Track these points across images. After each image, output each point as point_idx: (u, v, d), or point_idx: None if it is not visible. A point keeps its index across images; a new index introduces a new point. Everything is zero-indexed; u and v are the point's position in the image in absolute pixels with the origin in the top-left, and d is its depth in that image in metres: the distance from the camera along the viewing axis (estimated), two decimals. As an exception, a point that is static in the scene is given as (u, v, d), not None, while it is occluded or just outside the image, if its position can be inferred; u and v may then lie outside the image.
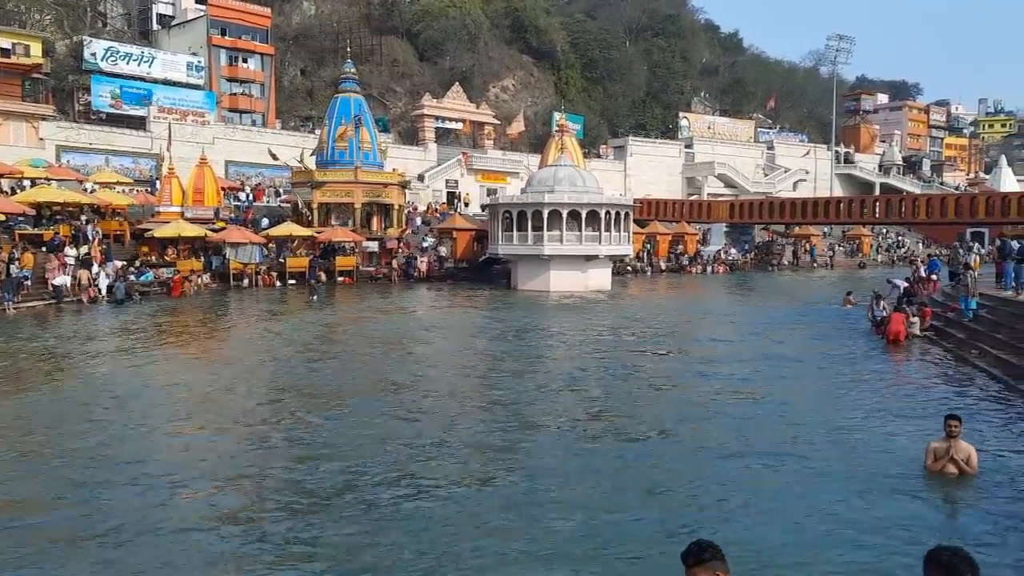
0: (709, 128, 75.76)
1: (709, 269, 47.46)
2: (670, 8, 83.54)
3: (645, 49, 77.89)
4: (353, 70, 41.51)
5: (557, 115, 51.38)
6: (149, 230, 32.90)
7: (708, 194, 66.25)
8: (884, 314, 19.70)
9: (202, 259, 32.96)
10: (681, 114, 75.54)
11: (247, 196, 44.58)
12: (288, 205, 42.07)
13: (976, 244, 30.36)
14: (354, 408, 11.77)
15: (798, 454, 9.38)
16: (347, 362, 16.10)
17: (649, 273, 44.81)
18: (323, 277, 34.74)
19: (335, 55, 56.02)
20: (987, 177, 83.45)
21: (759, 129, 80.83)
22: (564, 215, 33.97)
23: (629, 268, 43.64)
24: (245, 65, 54.40)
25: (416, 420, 11.10)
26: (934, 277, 25.61)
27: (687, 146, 71.54)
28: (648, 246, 48.23)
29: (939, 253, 49.96)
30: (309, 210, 38.58)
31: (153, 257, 31.75)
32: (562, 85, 70.61)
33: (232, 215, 38.72)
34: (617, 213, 35.69)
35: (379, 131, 46.65)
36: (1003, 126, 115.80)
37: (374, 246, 38.13)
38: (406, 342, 19.05)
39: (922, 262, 29.78)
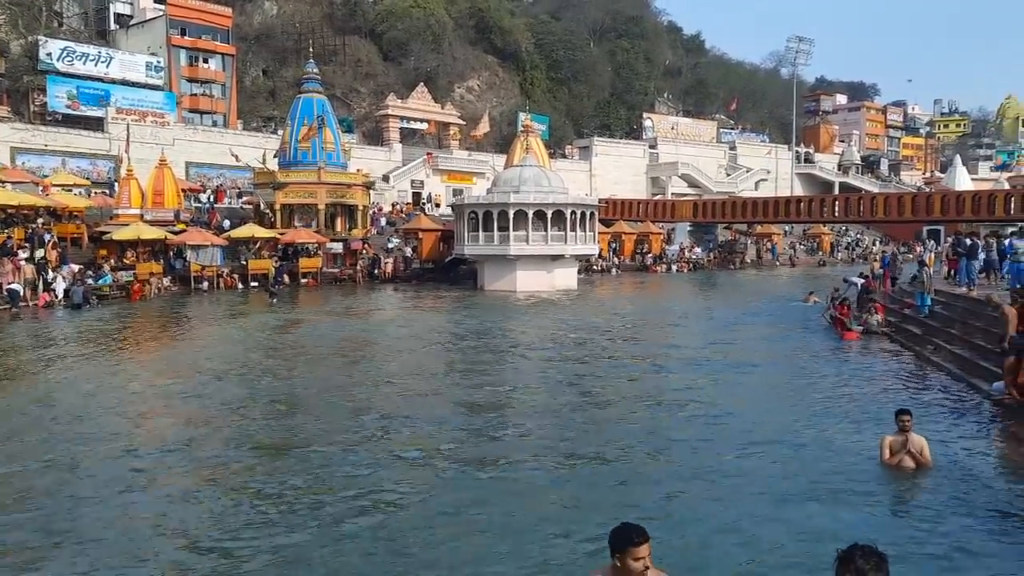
0: (673, 129, 76.44)
1: (674, 268, 47.90)
2: (633, 10, 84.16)
3: (609, 50, 78.38)
4: (315, 70, 41.17)
5: (522, 115, 51.44)
6: (107, 233, 32.30)
7: (672, 194, 66.86)
8: (835, 314, 20.11)
9: (162, 262, 32.42)
10: (645, 115, 76.12)
11: (208, 198, 43.97)
12: (250, 206, 41.59)
13: (932, 242, 31.00)
14: (311, 414, 11.43)
15: (754, 456, 9.30)
16: (305, 367, 15.75)
17: (615, 272, 45.09)
18: (287, 279, 34.39)
19: (297, 55, 55.51)
20: (943, 176, 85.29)
21: (721, 130, 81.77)
22: (530, 215, 34.04)
23: (595, 268, 43.87)
24: (206, 65, 53.65)
25: (371, 425, 10.84)
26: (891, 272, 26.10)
27: (651, 146, 72.10)
28: (614, 246, 48.57)
29: (896, 250, 50.93)
30: (272, 211, 38.18)
31: (112, 260, 31.16)
32: (527, 86, 70.75)
33: (193, 217, 38.19)
34: (582, 213, 35.87)
35: (343, 131, 46.31)
36: (957, 126, 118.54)
37: (338, 247, 37.87)
38: (367, 345, 18.85)
39: (876, 259, 30.36)
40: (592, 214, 36.94)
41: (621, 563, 3.51)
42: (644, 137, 73.40)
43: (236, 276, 34.01)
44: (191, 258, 32.76)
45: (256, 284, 33.71)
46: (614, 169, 67.51)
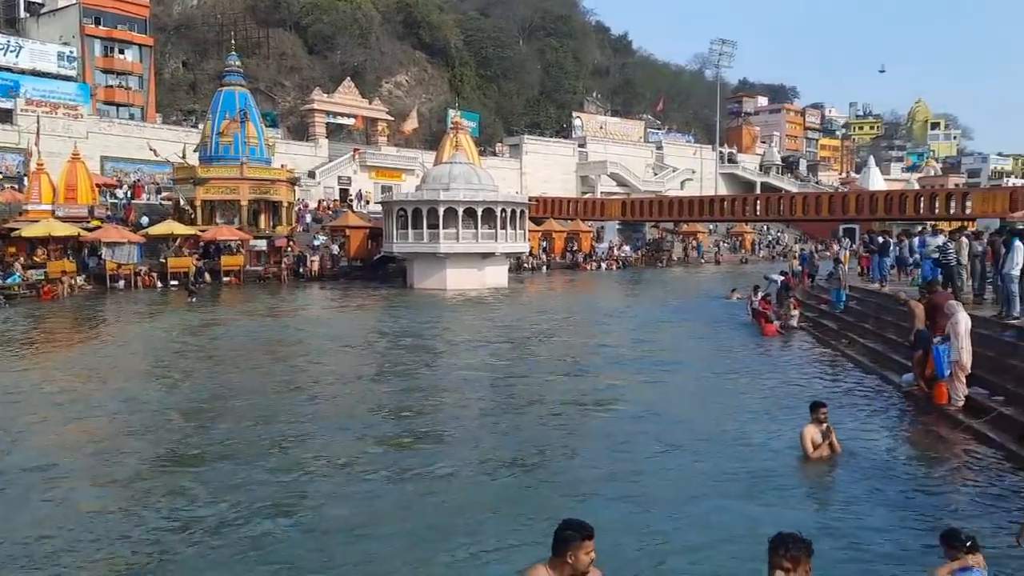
0: (601, 128, 77.30)
1: (603, 266, 48.47)
2: (562, 9, 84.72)
3: (539, 48, 78.73)
4: (238, 63, 40.06)
5: (452, 112, 51.23)
6: (16, 229, 30.77)
7: (601, 192, 67.63)
8: (757, 307, 20.68)
9: (75, 260, 31.06)
10: (574, 114, 76.76)
11: (125, 193, 42.34)
12: (170, 203, 40.24)
13: (847, 240, 32.14)
14: (223, 420, 10.89)
15: (674, 454, 9.36)
16: (221, 369, 15.20)
17: (545, 270, 45.34)
18: (208, 278, 33.39)
19: (219, 47, 53.91)
20: (858, 176, 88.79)
21: (648, 129, 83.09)
22: (460, 213, 33.88)
23: (526, 266, 44.03)
24: (122, 56, 51.68)
25: (286, 433, 10.35)
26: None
27: (580, 145, 72.76)
28: (544, 244, 48.84)
29: (813, 248, 52.62)
30: (192, 208, 37.03)
31: (22, 258, 29.69)
32: (457, 82, 70.46)
33: (108, 213, 36.71)
34: (513, 211, 35.91)
35: (267, 126, 45.22)
36: (871, 128, 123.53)
37: (262, 245, 36.95)
38: (288, 346, 18.23)
39: (795, 257, 31.35)
40: (522, 212, 37.03)
41: (574, 558, 3.58)
42: (573, 136, 74.02)
43: (155, 275, 32.86)
44: (106, 256, 31.49)
45: (176, 283, 32.63)
46: (544, 167, 67.85)
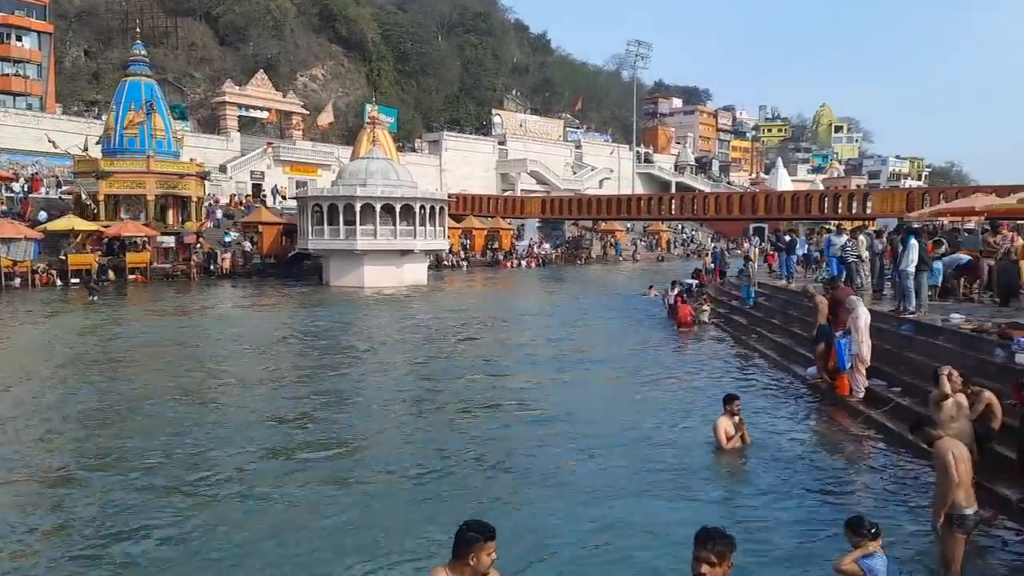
0: (521, 126, 77.59)
1: (523, 263, 48.67)
2: (481, 6, 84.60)
3: (457, 45, 78.42)
4: (144, 52, 38.42)
5: (369, 107, 50.44)
6: None
7: (521, 190, 67.87)
8: (673, 303, 21.13)
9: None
10: (494, 111, 76.79)
11: (22, 187, 40.05)
12: (71, 197, 38.29)
13: (756, 238, 33.17)
14: (115, 429, 10.30)
15: (588, 453, 9.38)
16: (120, 371, 14.54)
17: (465, 268, 45.22)
18: (112, 276, 31.94)
19: (124, 36, 51.63)
20: (767, 177, 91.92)
21: (568, 128, 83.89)
22: (377, 209, 33.44)
23: (446, 263, 43.81)
24: (18, 43, 48.82)
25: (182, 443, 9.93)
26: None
27: (500, 143, 72.84)
28: (464, 241, 48.72)
29: (725, 247, 54.15)
30: (95, 202, 35.35)
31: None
32: (374, 77, 69.49)
33: (4, 208, 34.69)
34: (432, 208, 35.66)
35: (175, 118, 43.50)
36: (779, 130, 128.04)
37: (170, 241, 35.60)
38: (193, 347, 17.44)
39: (707, 255, 32.22)
40: (442, 209, 36.81)
41: (476, 559, 3.57)
42: (493, 133, 74.04)
43: (54, 272, 31.22)
44: (1, 252, 29.74)
45: (77, 281, 31.09)
46: (464, 164, 67.64)
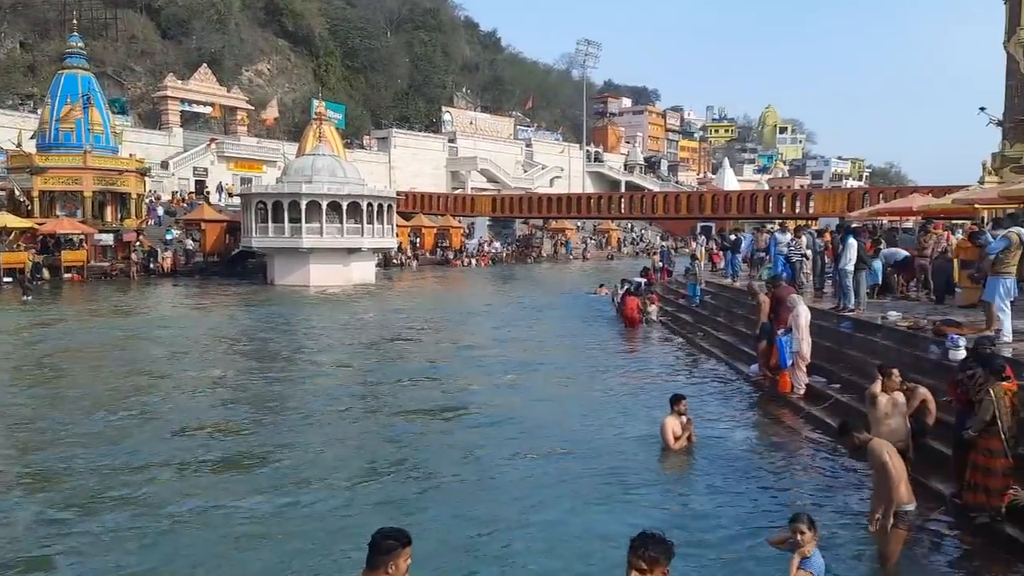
0: (471, 124, 77.35)
1: (473, 262, 48.49)
2: (430, 2, 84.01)
3: (407, 41, 77.74)
4: (81, 44, 37.24)
5: (316, 102, 49.65)
6: None
7: (472, 188, 67.65)
8: (621, 301, 21.21)
9: None
10: (444, 108, 76.39)
11: (-50, 183, 38.44)
12: (3, 193, 36.84)
13: (703, 237, 33.52)
14: (27, 441, 9.71)
15: (532, 457, 9.22)
16: (44, 376, 13.97)
17: (414, 266, 44.86)
18: (47, 274, 30.84)
19: (62, 27, 49.83)
20: (714, 177, 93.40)
21: (518, 127, 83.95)
22: (324, 206, 32.94)
23: (395, 261, 43.40)
24: (-55, 31, 46.85)
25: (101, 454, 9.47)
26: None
27: (451, 140, 72.51)
28: (414, 239, 48.33)
29: (674, 245, 54.83)
30: (28, 199, 34.10)
31: None
32: (322, 72, 68.46)
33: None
34: (380, 205, 35.25)
35: (115, 113, 42.25)
36: (726, 131, 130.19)
37: (108, 239, 34.50)
38: (127, 349, 16.85)
39: (655, 254, 32.52)
40: (390, 207, 36.43)
41: (394, 567, 3.35)
42: (443, 131, 73.67)
43: (-17, 271, 30.02)
44: (-76, 251, 28.49)
45: (10, 280, 29.94)
46: (414, 162, 67.13)
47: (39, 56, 53.05)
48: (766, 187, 78.39)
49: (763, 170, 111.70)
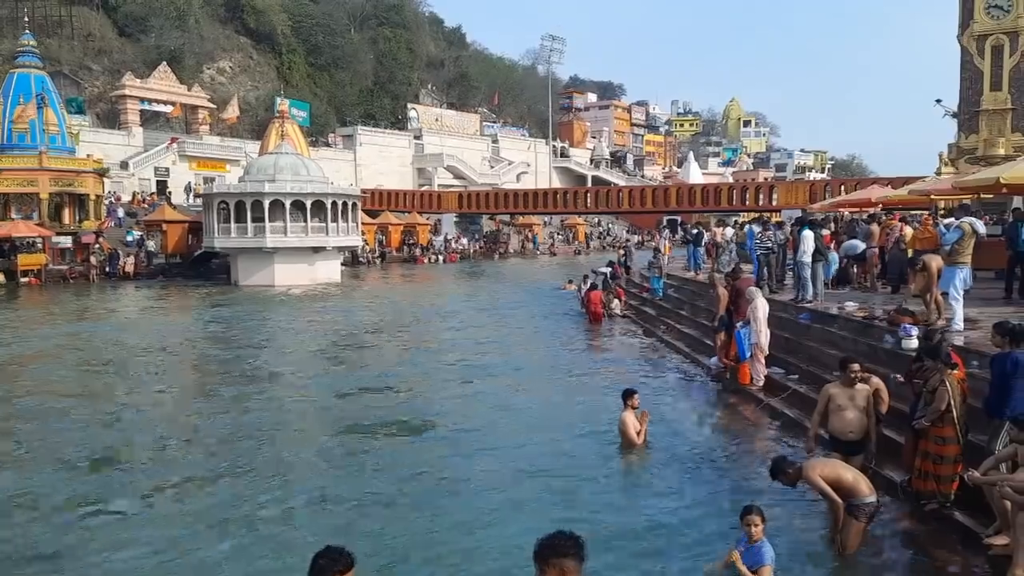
0: (437, 120, 77.03)
1: (441, 258, 48.33)
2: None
3: (371, 38, 77.13)
4: (33, 42, 36.50)
5: (278, 100, 49.11)
6: None
7: (439, 185, 67.40)
8: (584, 296, 21.26)
9: None
10: (410, 105, 75.96)
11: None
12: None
13: (667, 230, 33.78)
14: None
15: (499, 433, 9.51)
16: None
17: (380, 264, 44.61)
18: (2, 278, 30.19)
19: (14, 25, 48.68)
20: (679, 170, 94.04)
21: (484, 123, 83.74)
22: (287, 205, 32.62)
23: (361, 259, 43.11)
24: None
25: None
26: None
27: (416, 137, 72.13)
28: (380, 237, 48.04)
29: (641, 239, 55.17)
30: (-19, 202, 33.32)
31: None
32: (285, 70, 67.69)
33: None
34: (344, 203, 35.00)
35: (72, 113, 41.44)
36: (691, 125, 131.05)
37: (67, 241, 33.84)
38: (82, 356, 16.33)
39: (621, 248, 32.64)
40: (355, 205, 36.17)
41: None
42: (409, 128, 73.25)
43: (-65, 277, 29.29)
44: None
45: (-37, 285, 29.28)
46: (380, 159, 66.69)
47: (-9, 55, 51.81)
48: (731, 180, 79.05)
49: (728, 163, 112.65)
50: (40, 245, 32.77)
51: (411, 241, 49.71)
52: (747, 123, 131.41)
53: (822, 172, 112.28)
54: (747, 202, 44.00)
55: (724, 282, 12.48)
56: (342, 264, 36.53)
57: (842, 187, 38.72)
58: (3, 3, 52.87)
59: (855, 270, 15.10)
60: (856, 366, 7.08)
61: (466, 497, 7.66)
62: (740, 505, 5.94)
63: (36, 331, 19.89)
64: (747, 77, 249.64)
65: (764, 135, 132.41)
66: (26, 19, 41.44)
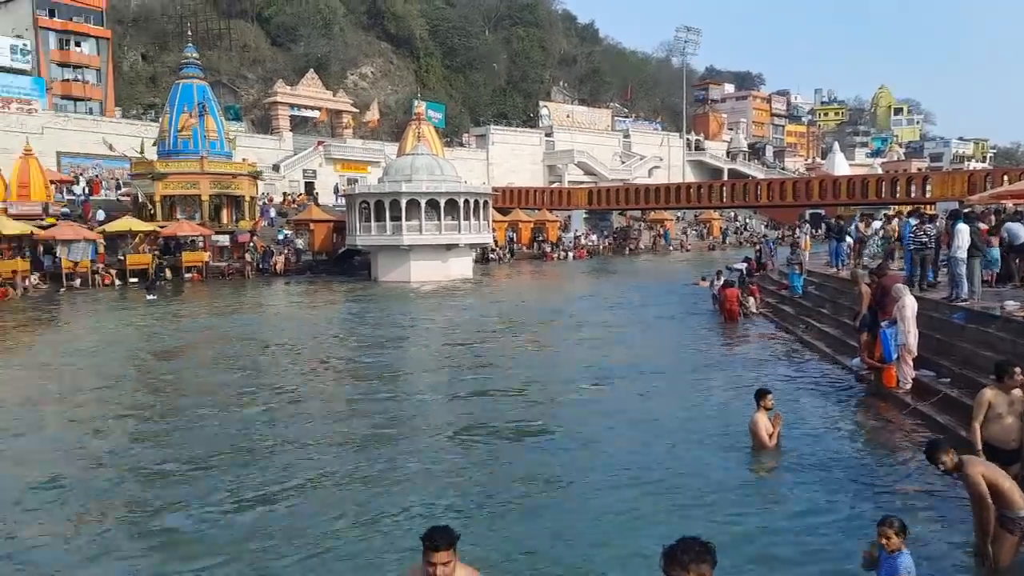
0: (568, 117, 77.18)
1: (570, 255, 48.42)
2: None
3: (505, 38, 78.32)
4: (195, 55, 39.35)
5: (416, 103, 50.77)
6: (-34, 229, 30.00)
7: (568, 181, 67.54)
8: (717, 293, 20.66)
9: (28, 258, 30.33)
10: (541, 103, 76.53)
11: (83, 190, 41.49)
12: (128, 198, 39.50)
13: (807, 225, 32.36)
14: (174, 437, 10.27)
15: (617, 441, 9.41)
16: (178, 371, 14.97)
17: (511, 260, 45.20)
18: (168, 275, 32.84)
19: (179, 39, 52.85)
20: (823, 162, 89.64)
21: (616, 118, 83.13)
22: (423, 204, 33.66)
23: (492, 256, 43.88)
24: (78, 49, 50.48)
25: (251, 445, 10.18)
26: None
27: (548, 135, 72.58)
28: (510, 234, 48.71)
29: (781, 234, 53.07)
30: (151, 203, 36.35)
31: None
32: (422, 73, 69.93)
33: (65, 210, 35.96)
34: (476, 202, 35.75)
35: (229, 119, 44.51)
36: (836, 114, 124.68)
37: (224, 240, 36.41)
38: (253, 343, 17.88)
39: (756, 245, 31.52)
40: (486, 203, 36.87)
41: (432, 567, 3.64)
42: (540, 125, 73.81)
43: (112, 272, 32.24)
44: (61, 254, 30.81)
45: (136, 280, 32.07)
46: (511, 157, 67.62)
47: (159, 67, 56.50)
48: (880, 171, 74.56)
49: (876, 153, 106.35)
50: (201, 243, 35.39)
51: (540, 238, 50.05)
52: (898, 111, 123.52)
53: (983, 162, 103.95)
54: (898, 194, 41.39)
55: (867, 279, 11.84)
56: (473, 261, 37.31)
57: (1005, 177, 35.71)
58: (169, 19, 57.53)
59: (1017, 263, 13.89)
60: (1018, 370, 6.58)
61: (585, 500, 7.59)
62: (876, 513, 5.67)
63: (205, 319, 21.71)
64: (898, 62, 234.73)
65: (917, 123, 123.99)
66: (189, 33, 44.88)
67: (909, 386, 10.27)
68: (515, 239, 48.82)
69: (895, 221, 20.21)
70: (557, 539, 6.62)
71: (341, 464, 8.75)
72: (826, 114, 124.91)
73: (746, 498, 7.54)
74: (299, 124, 57.95)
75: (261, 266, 36.42)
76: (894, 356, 10.36)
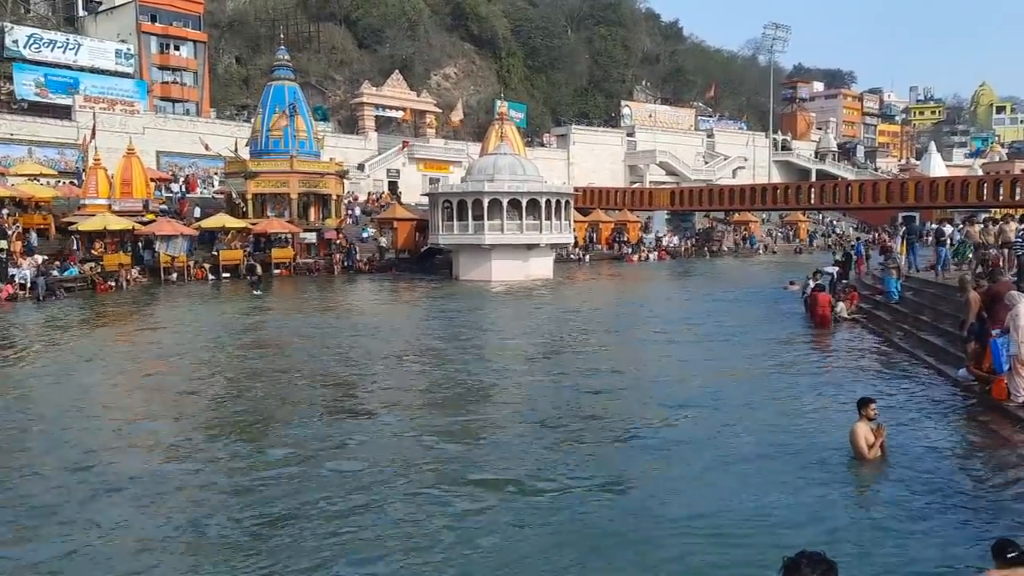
0: (651, 116, 76.30)
1: (651, 256, 47.82)
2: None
3: (587, 38, 78.01)
4: (287, 57, 40.55)
5: (498, 103, 51.06)
6: (74, 224, 31.70)
7: (650, 182, 66.75)
8: (808, 296, 20.01)
9: (130, 253, 31.85)
10: (623, 103, 75.87)
11: (180, 187, 43.33)
12: (222, 196, 41.03)
13: (903, 227, 31.02)
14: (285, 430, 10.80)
15: (720, 445, 9.25)
16: (282, 363, 15.46)
17: (590, 261, 44.92)
18: (259, 269, 33.94)
19: (271, 42, 54.63)
20: (918, 163, 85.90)
21: (699, 117, 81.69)
22: (504, 204, 33.81)
23: (572, 257, 43.72)
24: (177, 53, 52.77)
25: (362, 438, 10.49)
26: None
27: (629, 134, 71.92)
28: (591, 234, 48.44)
29: (873, 237, 51.12)
30: (244, 201, 37.63)
31: (80, 251, 30.62)
32: (504, 73, 70.32)
33: (164, 207, 37.61)
34: (558, 202, 35.69)
35: (317, 120, 45.71)
36: (932, 113, 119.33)
37: (312, 237, 37.42)
38: (348, 338, 18.26)
39: (847, 247, 30.39)
40: (567, 203, 36.77)
41: None
42: (622, 125, 73.19)
43: (206, 267, 33.53)
44: (159, 249, 32.22)
45: (228, 275, 33.26)
46: (592, 157, 67.29)
47: (252, 70, 58.56)
48: (980, 172, 70.95)
49: (977, 154, 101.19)
50: (289, 240, 36.45)
51: (621, 238, 49.58)
52: (1000, 109, 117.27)
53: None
54: (1000, 196, 39.27)
55: (976, 285, 11.25)
56: (554, 261, 37.25)
57: (1123, 179, 33.45)
58: (262, 22, 59.52)
59: None
60: None
61: (676, 512, 7.36)
62: (982, 537, 5.32)
63: (297, 314, 22.32)
64: (1000, 58, 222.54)
65: (1022, 122, 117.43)
66: (281, 36, 46.29)
67: (1022, 399, 9.71)
68: (595, 239, 48.52)
69: (995, 226, 19.18)
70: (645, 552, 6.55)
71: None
72: (921, 113, 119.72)
73: (843, 508, 7.29)
74: (384, 124, 59.08)
75: (346, 263, 37.25)
76: (1006, 367, 9.81)
